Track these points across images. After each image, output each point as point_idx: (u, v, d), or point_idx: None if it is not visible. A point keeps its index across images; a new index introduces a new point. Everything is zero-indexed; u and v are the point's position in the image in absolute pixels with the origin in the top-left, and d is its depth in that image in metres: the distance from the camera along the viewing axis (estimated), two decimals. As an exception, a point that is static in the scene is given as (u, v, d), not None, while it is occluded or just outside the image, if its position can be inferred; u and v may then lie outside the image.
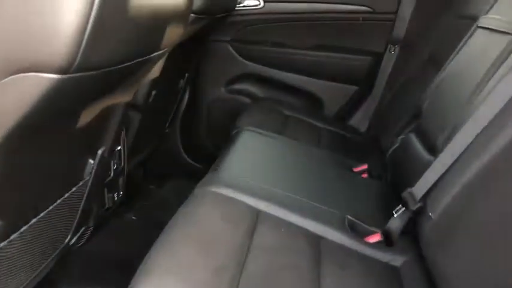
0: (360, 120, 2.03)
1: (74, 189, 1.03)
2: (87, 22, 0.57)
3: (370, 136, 1.90)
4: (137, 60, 0.78)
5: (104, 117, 1.03)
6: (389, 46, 1.93)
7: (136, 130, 1.55)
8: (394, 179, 1.34)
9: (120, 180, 1.46)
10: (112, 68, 0.68)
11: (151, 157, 2.04)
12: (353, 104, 2.05)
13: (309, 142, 1.65)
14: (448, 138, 1.08)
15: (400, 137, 1.49)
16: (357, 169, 1.51)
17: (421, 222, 1.00)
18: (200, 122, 2.14)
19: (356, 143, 1.81)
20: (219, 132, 2.14)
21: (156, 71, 1.46)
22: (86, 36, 0.58)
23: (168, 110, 1.90)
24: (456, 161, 0.97)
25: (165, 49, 0.92)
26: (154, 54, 0.86)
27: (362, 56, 1.99)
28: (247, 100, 2.11)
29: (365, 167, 1.52)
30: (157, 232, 1.58)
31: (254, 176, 1.19)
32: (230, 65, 2.07)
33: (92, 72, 0.63)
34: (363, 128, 2.00)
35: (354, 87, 2.03)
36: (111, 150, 1.18)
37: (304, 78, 2.05)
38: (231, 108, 2.11)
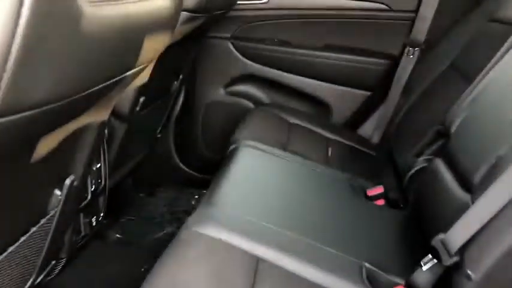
0: (371, 129, 1.84)
1: (34, 229, 0.84)
2: (9, 47, 0.38)
3: (383, 149, 1.71)
4: (100, 86, 0.58)
5: (71, 142, 0.85)
6: (407, 49, 1.73)
7: (122, 141, 1.36)
8: (417, 211, 1.15)
9: (101, 201, 1.28)
10: (59, 103, 0.48)
11: (142, 164, 1.86)
12: (364, 112, 1.86)
13: (317, 157, 1.46)
14: (489, 175, 0.89)
15: (421, 158, 1.31)
16: (371, 192, 1.33)
17: (457, 280, 0.82)
18: (196, 126, 1.95)
19: (369, 158, 1.62)
20: (217, 137, 1.96)
21: (144, 76, 1.27)
22: (8, 68, 0.39)
23: (160, 115, 1.71)
24: (505, 207, 0.79)
25: (144, 65, 0.73)
26: (128, 73, 0.66)
27: (376, 58, 1.79)
28: (248, 103, 1.92)
29: (381, 190, 1.33)
30: (143, 255, 1.40)
31: (253, 210, 1.00)
32: (230, 65, 1.87)
33: (26, 113, 0.44)
34: (374, 139, 1.81)
35: (366, 93, 1.84)
36: (85, 175, 1.00)
37: (312, 81, 1.85)
38: (231, 112, 1.92)
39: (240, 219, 0.95)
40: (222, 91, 1.91)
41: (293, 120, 1.72)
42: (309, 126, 1.71)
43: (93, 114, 0.84)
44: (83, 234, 1.19)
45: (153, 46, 0.70)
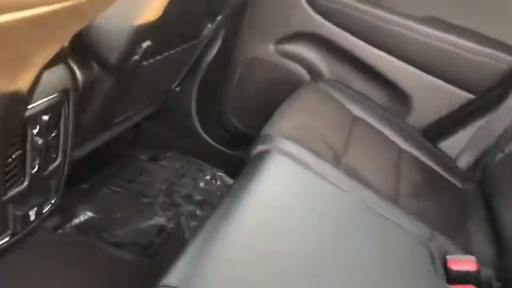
0: (459, 148, 1.32)
1: None
2: None
3: (473, 182, 1.22)
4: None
5: None
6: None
7: (107, 98, 0.93)
8: None
9: (53, 185, 0.87)
10: None
11: (149, 119, 1.44)
12: (458, 121, 1.34)
13: (383, 183, 0.99)
14: None
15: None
16: (455, 264, 0.86)
17: None
18: (228, 87, 1.48)
19: (453, 194, 1.13)
20: (252, 107, 1.50)
21: (149, 12, 0.81)
22: None
23: (180, 65, 1.26)
24: None
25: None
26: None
27: (497, 50, 1.25)
28: (302, 72, 1.43)
29: (472, 265, 0.86)
30: (108, 260, 1.01)
31: None
32: (291, 15, 1.37)
33: None
34: (461, 163, 1.30)
35: (468, 96, 1.31)
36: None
37: (396, 62, 1.34)
38: (277, 78, 1.45)
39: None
40: (271, 47, 1.42)
41: (358, 111, 1.24)
42: (378, 125, 1.23)
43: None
44: (10, 232, 0.79)
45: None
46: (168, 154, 1.52)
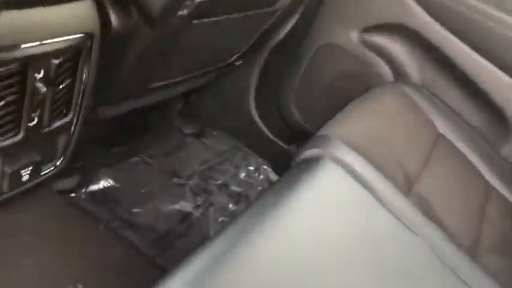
0: None
1: None
2: None
3: None
4: None
5: None
6: None
7: (142, 55, 0.77)
8: None
9: (60, 143, 0.73)
10: None
11: (202, 90, 1.29)
12: None
13: (460, 227, 0.77)
14: None
15: None
16: None
17: None
18: (295, 72, 1.29)
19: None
20: (318, 99, 1.30)
21: None
22: None
23: (243, 35, 1.08)
24: None
25: None
26: None
27: None
28: (385, 69, 1.22)
29: None
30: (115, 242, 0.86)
31: None
32: (386, 4, 1.16)
33: None
34: None
35: None
36: None
37: (502, 77, 1.09)
38: (354, 71, 1.24)
39: None
40: (354, 35, 1.21)
41: (444, 128, 1.02)
42: (466, 151, 1.00)
43: None
44: (-2, 190, 0.67)
45: None
46: (214, 133, 1.36)
